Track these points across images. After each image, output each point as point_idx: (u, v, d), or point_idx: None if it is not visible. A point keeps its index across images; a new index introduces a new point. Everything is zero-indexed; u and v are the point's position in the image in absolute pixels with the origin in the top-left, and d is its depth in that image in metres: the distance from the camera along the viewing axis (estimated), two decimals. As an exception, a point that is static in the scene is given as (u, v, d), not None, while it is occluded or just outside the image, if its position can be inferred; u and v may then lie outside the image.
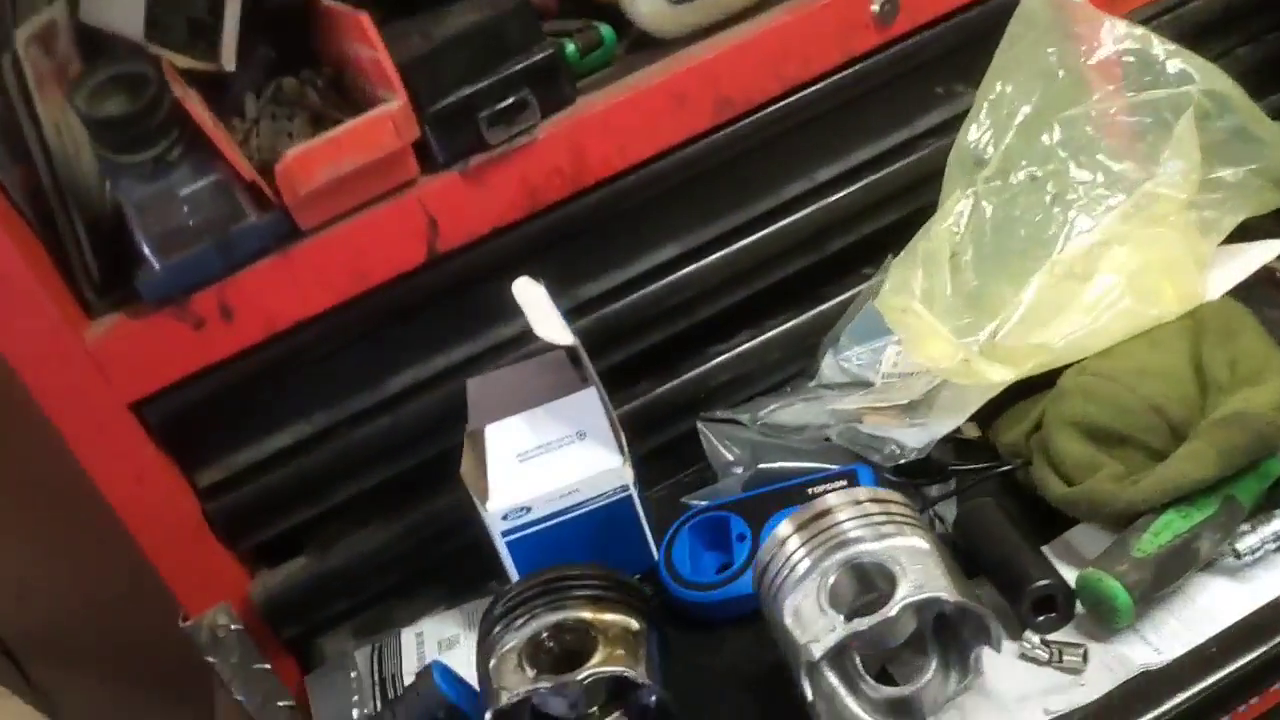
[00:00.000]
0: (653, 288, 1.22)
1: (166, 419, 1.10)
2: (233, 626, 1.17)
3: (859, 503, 0.94)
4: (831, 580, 0.90)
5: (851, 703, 0.93)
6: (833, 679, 0.93)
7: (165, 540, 1.13)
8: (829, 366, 1.27)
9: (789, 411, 1.24)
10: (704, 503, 1.17)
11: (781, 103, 1.19)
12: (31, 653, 1.62)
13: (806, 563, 0.91)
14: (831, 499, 0.95)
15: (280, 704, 1.21)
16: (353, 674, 1.15)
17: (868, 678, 0.92)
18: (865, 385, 1.24)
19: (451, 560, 1.22)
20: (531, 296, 1.08)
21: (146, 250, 1.05)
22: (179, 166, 1.05)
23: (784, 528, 0.95)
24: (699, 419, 1.26)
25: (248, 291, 1.06)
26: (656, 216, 1.21)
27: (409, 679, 1.11)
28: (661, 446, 1.26)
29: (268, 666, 1.20)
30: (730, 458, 1.22)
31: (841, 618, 0.87)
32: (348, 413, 1.17)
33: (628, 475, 1.07)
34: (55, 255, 1.07)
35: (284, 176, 1.04)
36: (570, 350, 1.12)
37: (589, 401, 1.09)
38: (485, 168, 1.09)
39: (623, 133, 1.13)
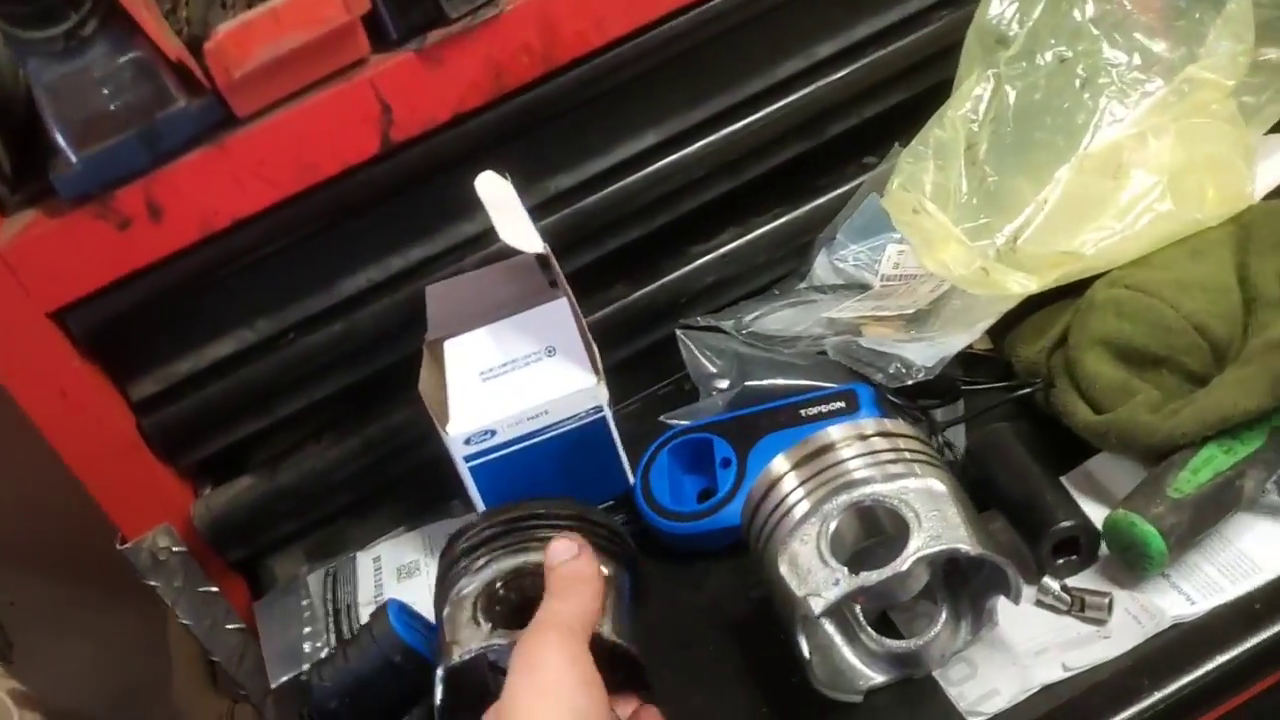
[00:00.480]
0: (630, 180, 1.12)
1: (93, 328, 1.02)
2: (175, 549, 1.10)
3: (865, 437, 0.84)
4: (834, 526, 0.80)
5: (849, 654, 0.85)
6: (829, 629, 0.85)
7: (97, 459, 1.05)
8: (822, 266, 1.17)
9: (777, 317, 1.14)
10: (684, 422, 1.07)
11: (778, -32, 1.08)
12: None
13: (805, 505, 0.81)
14: (834, 432, 0.84)
15: (229, 627, 1.15)
16: (305, 601, 1.08)
17: (868, 629, 0.84)
18: (862, 288, 1.14)
19: (410, 478, 1.15)
20: (496, 195, 0.96)
21: (60, 140, 0.94)
22: (94, 43, 0.93)
23: (779, 463, 0.84)
24: (678, 326, 1.15)
25: (178, 187, 0.96)
26: (636, 100, 1.10)
27: (365, 610, 1.04)
28: (635, 356, 1.18)
29: (214, 589, 1.14)
30: (713, 370, 1.11)
31: (845, 570, 0.77)
32: (295, 318, 1.09)
33: (602, 395, 0.98)
34: (-41, 145, 0.97)
35: (215, 56, 0.93)
36: (540, 255, 1.01)
37: (559, 314, 0.98)
38: (444, 46, 0.98)
39: (600, 3, 1.01)
